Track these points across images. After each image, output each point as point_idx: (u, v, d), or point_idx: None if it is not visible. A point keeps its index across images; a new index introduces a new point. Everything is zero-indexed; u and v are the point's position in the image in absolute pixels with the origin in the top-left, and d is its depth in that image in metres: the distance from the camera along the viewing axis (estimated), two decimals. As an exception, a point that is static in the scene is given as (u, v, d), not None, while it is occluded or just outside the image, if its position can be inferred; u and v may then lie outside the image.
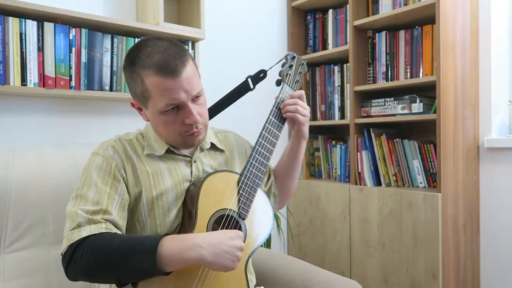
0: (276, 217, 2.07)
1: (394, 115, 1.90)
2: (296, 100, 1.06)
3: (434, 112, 1.74)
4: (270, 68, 1.17)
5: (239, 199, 0.98)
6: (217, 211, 0.95)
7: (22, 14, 1.37)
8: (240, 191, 0.98)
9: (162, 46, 0.91)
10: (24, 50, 1.37)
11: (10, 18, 1.34)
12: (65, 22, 1.45)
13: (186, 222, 0.97)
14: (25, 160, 1.20)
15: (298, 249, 2.29)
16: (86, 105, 1.64)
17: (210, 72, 1.99)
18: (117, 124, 1.71)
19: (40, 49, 1.40)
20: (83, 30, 1.48)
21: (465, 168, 1.81)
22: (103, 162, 0.94)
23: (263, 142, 1.03)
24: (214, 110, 1.16)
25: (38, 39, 1.40)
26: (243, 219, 0.98)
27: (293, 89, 1.12)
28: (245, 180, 1.00)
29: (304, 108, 1.07)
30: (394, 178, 1.90)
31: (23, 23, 1.37)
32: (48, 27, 1.41)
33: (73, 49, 1.47)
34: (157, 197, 0.96)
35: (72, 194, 0.93)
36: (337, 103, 2.19)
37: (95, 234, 0.84)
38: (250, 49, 2.19)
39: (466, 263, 1.82)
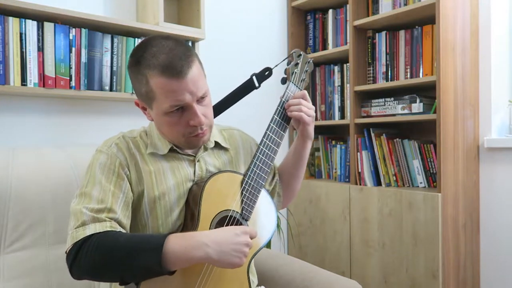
0: (276, 217, 2.07)
1: (394, 115, 1.90)
2: (299, 100, 1.05)
3: (434, 112, 1.74)
4: (276, 66, 1.16)
5: (242, 200, 0.97)
6: (220, 212, 0.95)
7: (22, 14, 1.37)
8: (244, 192, 0.98)
9: (167, 46, 0.89)
10: (24, 50, 1.37)
11: (10, 18, 1.34)
12: (65, 22, 1.45)
13: (188, 223, 0.96)
14: (25, 160, 1.20)
15: (298, 249, 2.29)
16: (86, 105, 1.64)
17: (210, 72, 1.96)
18: (117, 124, 1.71)
19: (40, 49, 1.40)
20: (83, 30, 1.48)
21: (465, 168, 1.81)
22: (107, 159, 0.93)
23: (267, 142, 1.02)
24: (219, 108, 1.15)
25: (38, 39, 1.40)
26: (246, 220, 0.97)
27: (299, 88, 1.10)
28: (249, 181, 0.99)
29: (308, 108, 1.05)
30: (394, 178, 1.89)
31: (23, 23, 1.37)
32: (48, 27, 1.41)
33: (73, 49, 1.47)
34: (159, 197, 0.95)
35: (76, 191, 0.92)
36: (337, 103, 2.19)
37: (99, 232, 0.84)
38: (250, 49, 2.19)
39: (466, 263, 1.82)
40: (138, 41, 1.61)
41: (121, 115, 1.72)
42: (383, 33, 1.97)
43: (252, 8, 2.20)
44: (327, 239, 2.12)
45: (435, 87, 1.69)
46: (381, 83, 1.95)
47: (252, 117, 2.03)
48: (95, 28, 1.52)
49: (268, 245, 2.02)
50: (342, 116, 2.17)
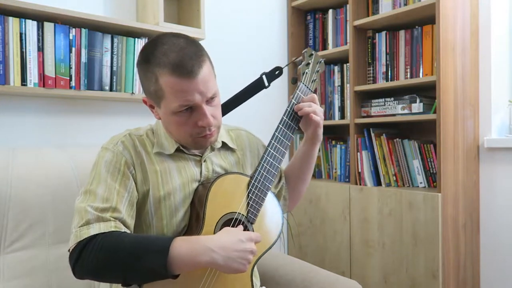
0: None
1: (394, 115, 1.90)
2: (310, 103, 1.03)
3: (434, 112, 1.74)
4: (286, 65, 1.14)
5: (248, 203, 0.96)
6: (225, 215, 0.94)
7: (22, 14, 1.37)
8: (250, 195, 0.96)
9: (178, 44, 0.88)
10: (24, 50, 1.37)
11: (10, 18, 1.34)
12: (65, 22, 1.45)
13: (193, 224, 0.95)
14: (25, 160, 1.20)
15: (298, 249, 2.29)
16: (86, 105, 1.64)
17: (210, 72, 1.98)
18: (117, 124, 1.70)
19: (40, 49, 1.40)
20: (83, 30, 1.48)
21: (465, 168, 1.81)
22: (112, 157, 0.92)
23: (276, 143, 1.00)
24: (227, 107, 1.14)
25: (38, 39, 1.40)
26: (252, 223, 0.96)
27: (309, 89, 1.08)
28: (256, 183, 0.97)
29: (319, 110, 1.04)
30: (394, 178, 1.89)
31: (23, 23, 1.37)
32: (48, 27, 1.41)
33: (73, 49, 1.47)
34: (164, 197, 0.94)
35: (81, 188, 0.92)
36: (337, 103, 2.19)
37: (104, 232, 0.83)
38: (250, 49, 2.19)
39: (466, 263, 1.82)
40: (138, 41, 1.62)
41: (121, 115, 1.72)
42: (383, 33, 1.97)
43: (252, 8, 2.20)
44: (327, 239, 2.12)
45: (435, 87, 1.69)
46: (381, 83, 1.95)
47: (255, 115, 2.03)
48: (95, 28, 1.52)
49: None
50: (342, 116, 2.17)
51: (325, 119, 2.26)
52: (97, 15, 1.49)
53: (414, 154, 1.84)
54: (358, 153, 1.98)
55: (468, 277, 1.83)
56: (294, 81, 1.10)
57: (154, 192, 0.94)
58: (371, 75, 2.02)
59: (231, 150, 1.08)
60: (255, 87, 1.14)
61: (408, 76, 1.89)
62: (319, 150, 2.33)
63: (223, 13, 2.08)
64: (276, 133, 1.01)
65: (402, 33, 1.92)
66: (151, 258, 0.80)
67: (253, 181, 0.97)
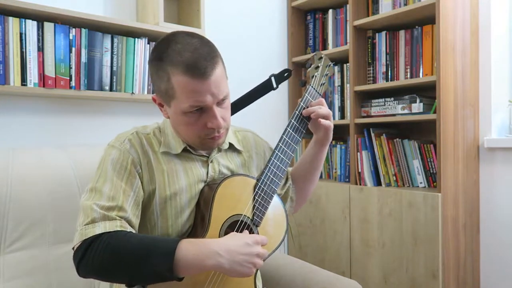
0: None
1: (394, 115, 1.90)
2: (320, 106, 1.03)
3: (434, 112, 1.74)
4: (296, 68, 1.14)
5: (254, 205, 0.95)
6: (231, 217, 0.93)
7: (22, 14, 1.37)
8: (256, 197, 0.96)
9: (193, 44, 0.87)
10: (24, 50, 1.37)
11: (10, 18, 1.34)
12: (65, 22, 1.45)
13: (198, 225, 0.95)
14: (25, 160, 1.20)
15: (298, 249, 2.29)
16: (86, 105, 1.64)
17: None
18: (117, 124, 1.70)
19: (40, 49, 1.40)
20: (83, 30, 1.48)
21: (465, 168, 1.81)
22: (119, 156, 0.91)
23: (283, 146, 1.00)
24: (234, 108, 1.13)
25: (38, 39, 1.40)
26: (257, 226, 0.96)
27: (318, 92, 1.07)
28: (262, 186, 0.97)
29: (330, 114, 1.04)
30: (394, 178, 1.90)
31: (23, 23, 1.37)
32: (48, 27, 1.41)
33: (73, 49, 1.47)
34: (170, 197, 0.93)
35: (86, 186, 0.91)
36: (337, 103, 2.19)
37: (109, 232, 0.82)
38: (250, 49, 2.19)
39: (466, 263, 1.82)
40: (138, 41, 1.62)
41: (121, 115, 1.72)
42: (383, 33, 1.97)
43: (252, 8, 2.20)
44: (327, 239, 2.12)
45: (435, 87, 1.69)
46: (381, 83, 1.95)
47: (255, 115, 2.03)
48: (95, 28, 1.52)
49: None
50: (342, 116, 2.17)
51: (325, 119, 2.26)
52: (97, 15, 1.49)
53: (414, 154, 1.84)
54: (358, 153, 1.98)
55: (468, 277, 1.83)
56: (302, 84, 1.09)
57: (160, 192, 0.93)
58: (371, 75, 2.02)
59: (238, 151, 1.08)
60: (263, 88, 1.14)
61: (408, 76, 1.89)
62: (319, 150, 2.32)
63: (223, 13, 2.08)
64: (284, 136, 1.00)
65: (402, 33, 1.92)
66: (157, 261, 0.79)
67: (259, 184, 0.97)
